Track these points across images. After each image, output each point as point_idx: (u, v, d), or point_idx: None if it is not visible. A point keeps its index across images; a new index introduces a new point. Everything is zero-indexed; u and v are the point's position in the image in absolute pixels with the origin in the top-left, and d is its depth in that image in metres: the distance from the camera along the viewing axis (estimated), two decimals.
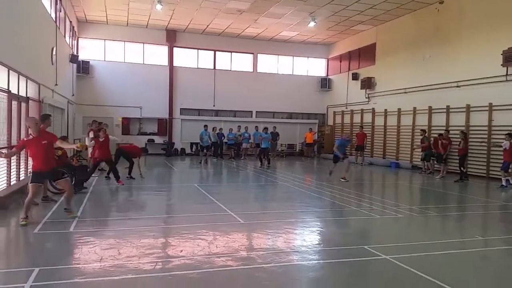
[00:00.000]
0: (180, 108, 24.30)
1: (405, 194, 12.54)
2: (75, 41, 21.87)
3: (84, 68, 22.13)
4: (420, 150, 17.15)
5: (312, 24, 20.54)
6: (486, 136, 15.07)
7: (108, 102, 22.79)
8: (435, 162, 16.46)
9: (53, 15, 14.99)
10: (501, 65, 14.32)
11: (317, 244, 6.34)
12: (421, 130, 17.14)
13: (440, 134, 16.10)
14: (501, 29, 14.70)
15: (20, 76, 10.25)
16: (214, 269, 4.94)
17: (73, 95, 20.45)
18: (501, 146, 13.17)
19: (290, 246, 6.17)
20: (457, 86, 16.38)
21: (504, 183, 12.89)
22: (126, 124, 23.50)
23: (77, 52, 21.76)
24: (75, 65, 21.02)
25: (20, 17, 10.50)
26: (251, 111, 25.79)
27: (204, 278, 4.67)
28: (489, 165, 15.03)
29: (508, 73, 14.34)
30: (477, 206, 10.33)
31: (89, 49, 23.02)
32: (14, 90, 9.67)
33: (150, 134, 24.00)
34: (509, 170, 12.98)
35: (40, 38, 13.20)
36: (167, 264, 5.08)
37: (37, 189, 7.11)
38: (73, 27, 20.63)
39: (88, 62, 22.40)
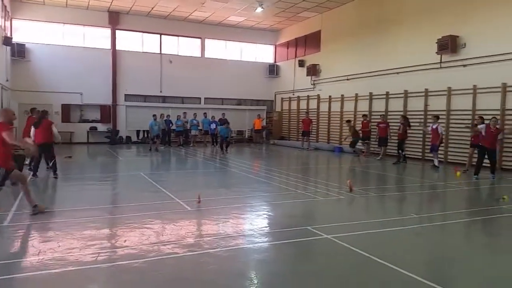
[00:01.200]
0: (125, 94, 23.50)
1: (347, 177, 13.06)
2: (8, 22, 20.37)
3: (19, 51, 20.71)
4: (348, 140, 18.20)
5: (259, 9, 20.55)
6: (422, 120, 15.99)
7: (46, 88, 21.54)
8: (366, 145, 17.62)
9: None
10: (436, 53, 15.19)
11: (263, 227, 6.49)
12: (347, 121, 18.32)
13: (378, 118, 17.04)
14: (436, 19, 15.54)
15: None
16: (160, 257, 4.91)
17: (7, 80, 19.11)
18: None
19: (237, 230, 6.26)
20: (396, 73, 17.18)
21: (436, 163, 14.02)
22: (66, 111, 22.37)
23: (11, 34, 20.29)
24: (9, 48, 19.61)
25: None
26: (200, 98, 25.51)
27: (149, 267, 4.62)
28: (425, 148, 16.00)
29: (442, 61, 15.24)
30: (413, 186, 11.01)
31: (25, 31, 21.54)
32: None
33: (92, 121, 23.03)
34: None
35: None
36: (111, 255, 4.97)
37: None
38: (5, 6, 19.17)
39: (24, 45, 20.98)
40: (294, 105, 24.77)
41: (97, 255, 4.92)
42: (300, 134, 21.48)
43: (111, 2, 21.08)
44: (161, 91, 24.38)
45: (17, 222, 6.33)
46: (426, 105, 15.92)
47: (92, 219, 6.60)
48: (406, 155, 15.56)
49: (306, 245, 5.56)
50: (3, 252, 5.08)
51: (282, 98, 26.10)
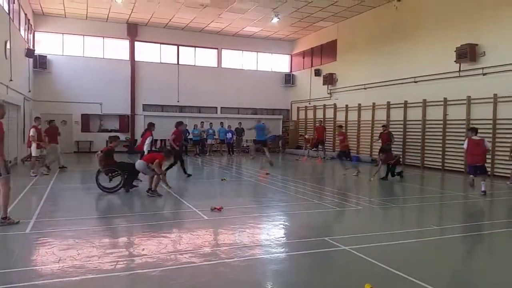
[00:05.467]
0: (143, 104, 23.85)
1: (365, 187, 12.92)
2: (31, 35, 20.98)
3: (41, 63, 21.28)
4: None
5: (275, 20, 20.68)
6: (441, 130, 15.75)
7: (66, 98, 22.03)
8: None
9: (5, 7, 14.32)
10: (455, 61, 14.99)
11: (280, 237, 6.45)
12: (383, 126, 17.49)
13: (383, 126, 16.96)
14: (454, 27, 15.38)
15: None
16: (177, 266, 4.92)
17: (29, 91, 19.64)
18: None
19: (253, 240, 6.24)
20: (414, 82, 17.00)
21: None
22: (86, 121, 22.81)
23: (34, 47, 20.88)
24: (31, 60, 20.18)
25: None
26: (216, 107, 25.70)
27: (167, 276, 4.64)
28: (444, 158, 15.74)
29: (461, 69, 15.03)
30: (434, 197, 10.80)
31: (46, 43, 22.15)
32: None
33: (111, 131, 23.33)
34: None
35: None
36: (129, 263, 5.01)
37: None
38: (29, 20, 19.77)
39: (46, 56, 21.55)
40: (310, 114, 24.71)
41: (115, 263, 4.97)
42: (307, 144, 21.20)
43: (130, 15, 21.52)
44: (178, 101, 24.65)
45: (38, 230, 6.44)
46: (445, 114, 15.68)
47: (110, 227, 6.69)
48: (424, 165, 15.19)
49: (323, 256, 5.50)
50: (25, 259, 5.18)
51: (298, 107, 26.08)
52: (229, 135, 22.16)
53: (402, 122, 17.57)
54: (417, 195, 11.41)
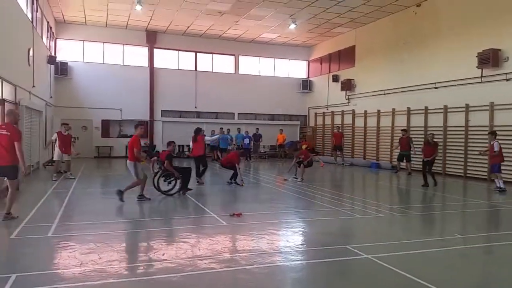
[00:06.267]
0: (161, 110, 24.09)
1: (385, 194, 12.73)
2: (53, 42, 21.45)
3: (62, 69, 21.71)
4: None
5: (292, 26, 20.67)
6: (463, 136, 15.43)
7: (87, 104, 22.40)
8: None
9: (29, 15, 14.66)
10: (476, 67, 14.69)
11: (300, 244, 6.37)
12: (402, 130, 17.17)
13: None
14: (475, 32, 15.10)
15: None
16: (197, 272, 4.90)
17: (51, 97, 20.03)
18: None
19: (273, 247, 6.17)
20: (435, 88, 16.73)
21: (499, 184, 11.90)
22: (106, 127, 23.14)
23: (55, 53, 21.34)
24: (53, 66, 20.61)
25: None
26: (233, 113, 25.77)
27: (187, 282, 4.62)
28: (467, 165, 15.39)
29: (483, 75, 14.73)
30: (457, 205, 10.55)
31: (68, 50, 22.62)
32: None
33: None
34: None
35: (16, 38, 12.90)
36: (149, 268, 5.01)
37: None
38: (51, 27, 20.23)
39: (67, 63, 21.99)
40: (328, 120, 24.54)
41: (136, 268, 4.97)
42: (332, 149, 21.19)
43: (149, 22, 21.81)
44: (195, 107, 24.81)
45: (59, 234, 6.51)
46: (467, 120, 15.36)
47: (130, 232, 6.72)
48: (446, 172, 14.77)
49: (345, 265, 5.40)
50: (47, 262, 5.22)
51: (315, 113, 25.94)
52: (246, 141, 22.16)
53: (422, 128, 17.27)
54: (439, 202, 11.16)
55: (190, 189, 10.77)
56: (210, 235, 6.62)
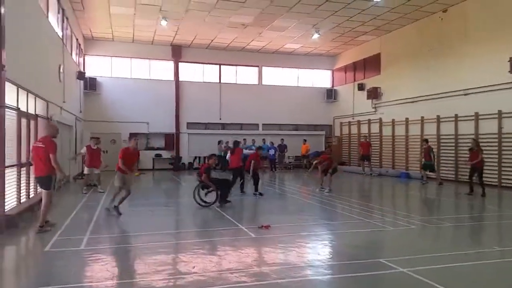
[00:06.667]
0: (187, 123, 24.37)
1: (417, 205, 12.37)
2: (82, 58, 22.11)
3: (91, 84, 22.31)
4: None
5: (316, 36, 20.62)
6: (496, 144, 14.90)
7: (115, 118, 22.89)
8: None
9: (60, 33, 15.17)
10: (509, 71, 14.22)
11: (331, 257, 6.23)
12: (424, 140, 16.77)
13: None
14: (506, 36, 14.65)
15: (29, 94, 10.33)
16: (228, 286, 4.83)
17: (80, 111, 20.59)
18: None
19: (303, 260, 6.06)
20: (464, 94, 16.28)
21: None
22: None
23: (84, 69, 21.97)
24: (82, 82, 21.20)
25: (28, 35, 10.62)
26: (258, 124, 25.79)
27: None
28: (501, 174, 14.84)
29: None
30: (493, 216, 10.15)
31: (96, 65, 23.25)
32: (23, 107, 9.73)
33: (157, 149, 24.02)
34: None
35: (48, 55, 13.34)
36: (180, 281, 4.97)
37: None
38: (80, 44, 20.88)
39: (95, 79, 22.59)
40: (354, 129, 24.22)
41: (167, 281, 4.96)
42: (359, 159, 20.86)
43: (174, 37, 22.21)
44: (220, 118, 24.98)
45: (91, 246, 6.59)
46: (500, 127, 14.84)
47: (160, 244, 6.72)
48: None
49: (380, 279, 5.22)
50: (80, 275, 5.27)
51: (341, 123, 25.66)
52: (271, 152, 22.09)
53: (453, 137, 16.80)
54: (474, 213, 10.76)
55: (229, 201, 10.73)
56: (239, 247, 6.56)
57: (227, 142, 22.08)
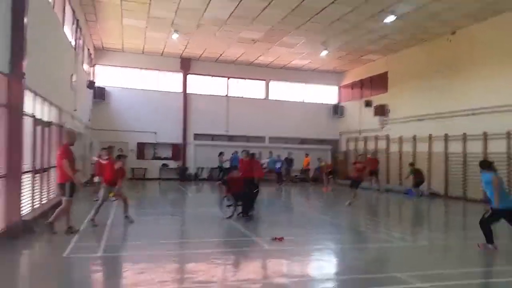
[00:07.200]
0: (194, 134, 24.49)
1: (427, 221, 12.36)
2: (92, 68, 22.34)
3: (100, 94, 22.49)
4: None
5: (324, 53, 20.81)
6: (505, 163, 14.92)
7: (123, 127, 23.01)
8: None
9: (73, 43, 15.39)
10: None
11: (347, 271, 6.23)
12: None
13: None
14: None
15: (44, 101, 10.45)
16: None
17: (89, 120, 20.73)
18: None
19: (322, 273, 6.06)
20: (473, 114, 16.36)
21: None
22: (141, 149, 23.68)
23: (94, 79, 22.18)
24: (91, 91, 21.39)
25: (45, 43, 10.79)
26: (264, 137, 25.89)
27: None
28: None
29: None
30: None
31: (105, 75, 23.48)
32: (37, 115, 9.83)
33: (164, 159, 24.09)
34: None
35: (62, 64, 13.53)
36: None
37: None
38: (90, 54, 21.13)
39: (104, 88, 22.78)
40: (360, 145, 24.27)
41: None
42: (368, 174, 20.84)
43: (184, 50, 22.47)
44: (227, 131, 25.10)
45: (109, 253, 6.61)
46: (509, 147, 14.88)
47: (176, 253, 6.76)
48: None
49: None
50: (102, 281, 5.28)
51: (348, 138, 25.74)
52: (278, 165, 22.12)
53: (461, 155, 16.85)
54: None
55: (250, 214, 10.44)
56: (255, 259, 6.60)
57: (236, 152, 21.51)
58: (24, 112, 8.24)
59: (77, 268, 5.87)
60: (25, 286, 5.25)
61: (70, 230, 7.70)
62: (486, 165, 7.86)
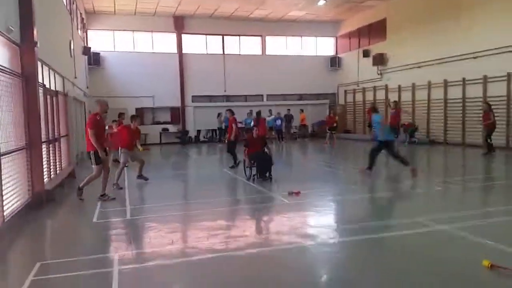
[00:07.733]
0: (192, 96, 24.34)
1: (442, 167, 12.71)
2: (85, 33, 21.79)
3: (95, 60, 22.08)
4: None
5: (322, 2, 20.35)
6: (505, 106, 15.14)
7: (120, 93, 22.76)
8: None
9: (68, 8, 14.95)
10: None
11: (374, 219, 6.51)
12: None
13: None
14: None
15: (50, 70, 10.34)
16: (284, 245, 5.08)
17: (87, 87, 20.49)
18: None
19: (349, 220, 6.36)
20: (474, 58, 16.36)
21: None
22: (140, 114, 23.54)
23: (87, 44, 21.69)
24: (86, 57, 20.98)
25: (45, 10, 10.49)
26: (262, 95, 25.80)
27: (275, 255, 4.81)
28: (509, 136, 15.16)
29: None
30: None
31: (98, 40, 22.95)
32: (46, 84, 9.76)
33: (163, 123, 24.07)
34: None
35: (60, 31, 13.23)
36: (239, 244, 5.20)
37: None
38: (83, 19, 20.54)
39: (99, 53, 22.34)
40: (359, 97, 24.33)
41: (224, 243, 5.21)
42: (368, 125, 21.08)
43: (177, 7, 21.87)
44: (225, 91, 24.95)
45: (138, 216, 6.83)
46: (509, 90, 15.03)
47: (200, 212, 6.95)
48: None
49: (426, 237, 5.37)
50: (140, 242, 5.46)
51: (345, 91, 25.74)
52: (278, 122, 22.22)
53: (460, 100, 17.01)
54: (496, 173, 11.11)
55: (266, 177, 9.81)
56: (281, 212, 6.82)
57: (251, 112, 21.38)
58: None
59: (112, 232, 6.09)
60: (74, 249, 5.37)
61: (103, 198, 7.84)
62: (375, 109, 11.07)
